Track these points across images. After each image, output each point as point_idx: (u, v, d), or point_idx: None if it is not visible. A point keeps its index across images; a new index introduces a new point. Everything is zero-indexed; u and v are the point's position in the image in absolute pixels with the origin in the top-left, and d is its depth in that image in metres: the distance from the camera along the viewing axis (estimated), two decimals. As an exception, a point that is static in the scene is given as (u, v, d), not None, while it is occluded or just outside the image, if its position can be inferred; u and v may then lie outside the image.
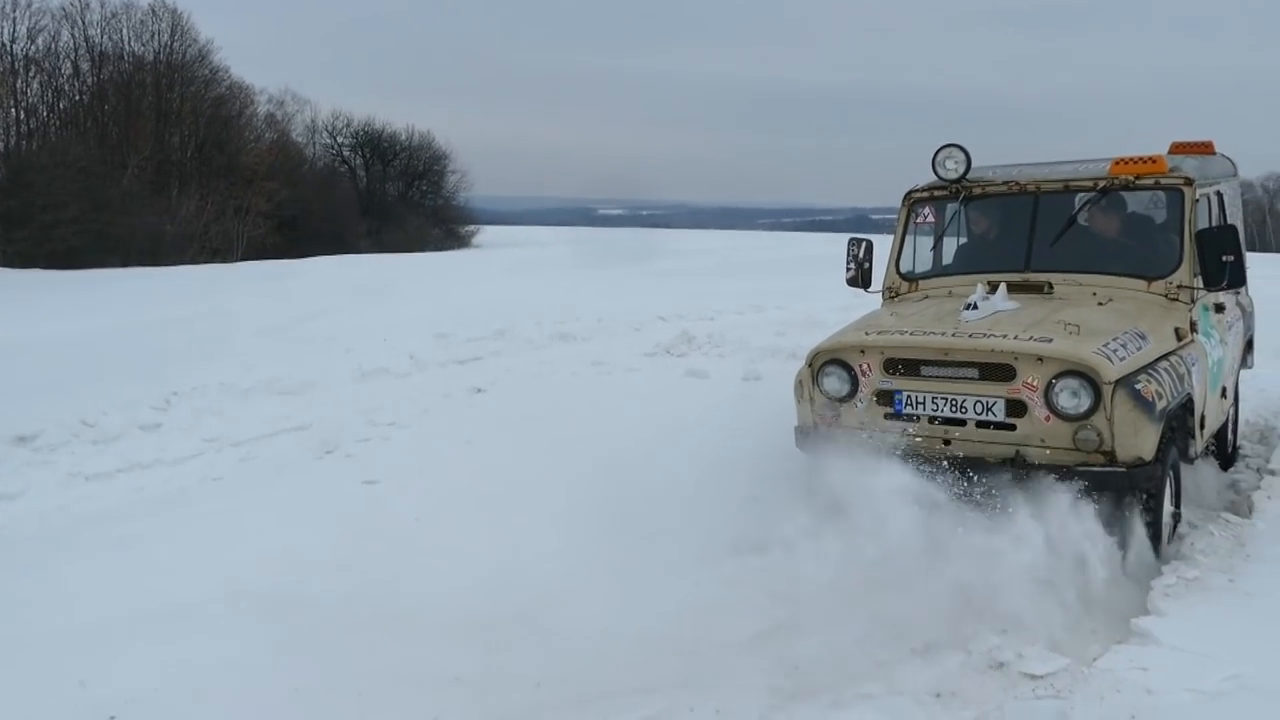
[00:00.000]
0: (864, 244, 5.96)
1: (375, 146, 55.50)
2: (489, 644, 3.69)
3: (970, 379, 4.45)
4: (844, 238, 6.30)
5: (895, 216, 5.99)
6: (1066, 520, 4.19)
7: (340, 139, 55.05)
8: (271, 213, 38.49)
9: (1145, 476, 4.20)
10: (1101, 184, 5.31)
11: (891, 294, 5.81)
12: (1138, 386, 4.18)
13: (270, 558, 4.65)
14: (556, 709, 3.22)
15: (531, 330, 11.73)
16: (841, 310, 6.69)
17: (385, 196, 54.49)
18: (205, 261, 30.28)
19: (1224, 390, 5.65)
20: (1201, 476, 5.69)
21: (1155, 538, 4.33)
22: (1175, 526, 4.68)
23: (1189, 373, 4.68)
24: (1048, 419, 4.29)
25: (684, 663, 3.50)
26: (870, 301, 5.95)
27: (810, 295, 14.53)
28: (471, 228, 55.09)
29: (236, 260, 31.96)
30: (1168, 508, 4.50)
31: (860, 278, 5.94)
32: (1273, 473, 5.60)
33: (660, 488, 5.28)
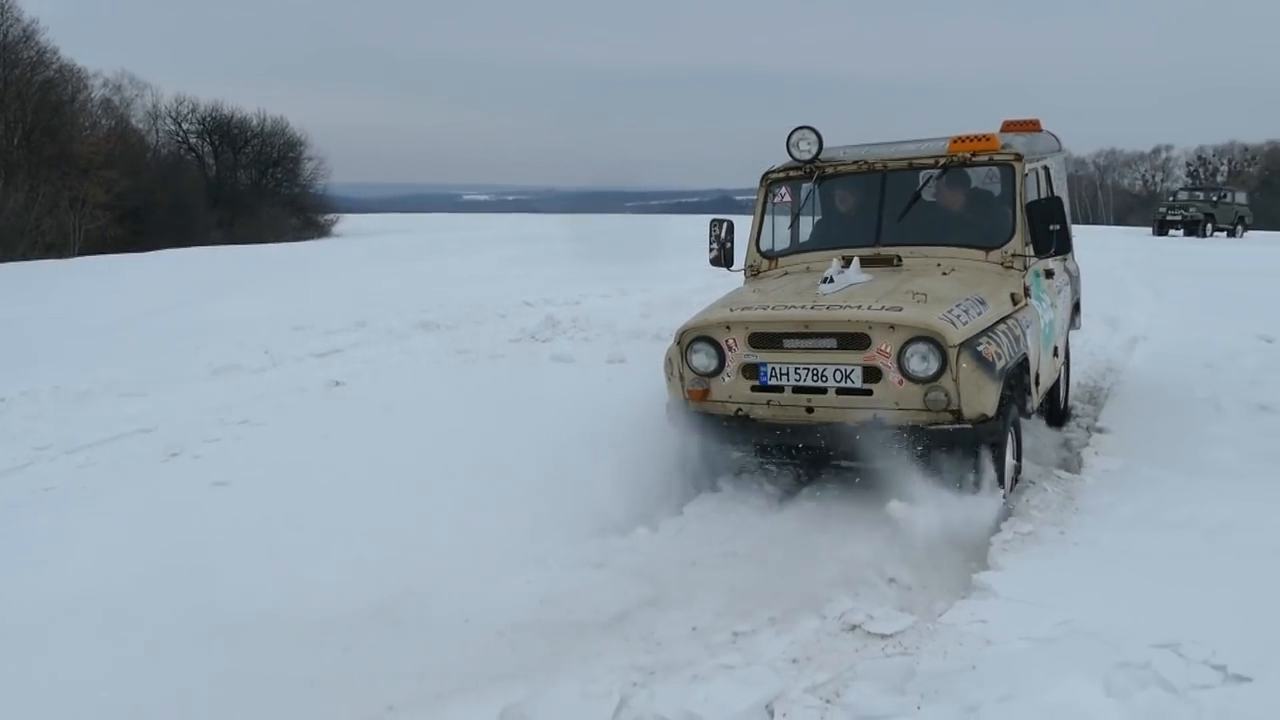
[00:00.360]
0: (725, 224, 6.17)
1: (224, 133, 52.78)
2: (347, 643, 3.59)
3: (829, 349, 4.65)
4: (709, 219, 6.42)
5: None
6: (914, 480, 4.39)
7: (185, 125, 52.09)
8: (112, 204, 36.14)
9: (989, 431, 4.49)
10: (941, 161, 5.61)
11: (753, 272, 6.02)
12: (979, 348, 4.45)
13: (111, 569, 4.37)
14: (417, 703, 3.15)
15: (393, 320, 11.45)
16: (705, 290, 6.80)
17: (237, 185, 51.97)
18: (38, 257, 28.24)
19: (1056, 349, 6.05)
20: (1038, 436, 6.06)
21: (999, 487, 4.61)
22: (1017, 476, 5.00)
23: (1024, 334, 5.00)
24: (901, 383, 4.51)
25: (547, 647, 3.49)
26: (733, 280, 6.08)
27: (675, 277, 14.69)
28: (331, 216, 53.24)
29: (73, 255, 29.96)
30: (1010, 460, 4.80)
31: (723, 257, 6.15)
32: (1101, 430, 5.99)
33: (524, 473, 5.24)
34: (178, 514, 5.15)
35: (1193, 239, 30.32)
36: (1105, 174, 71.21)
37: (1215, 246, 26.35)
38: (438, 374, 8.43)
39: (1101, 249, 19.95)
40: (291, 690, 3.26)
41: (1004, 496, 4.63)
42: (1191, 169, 65.52)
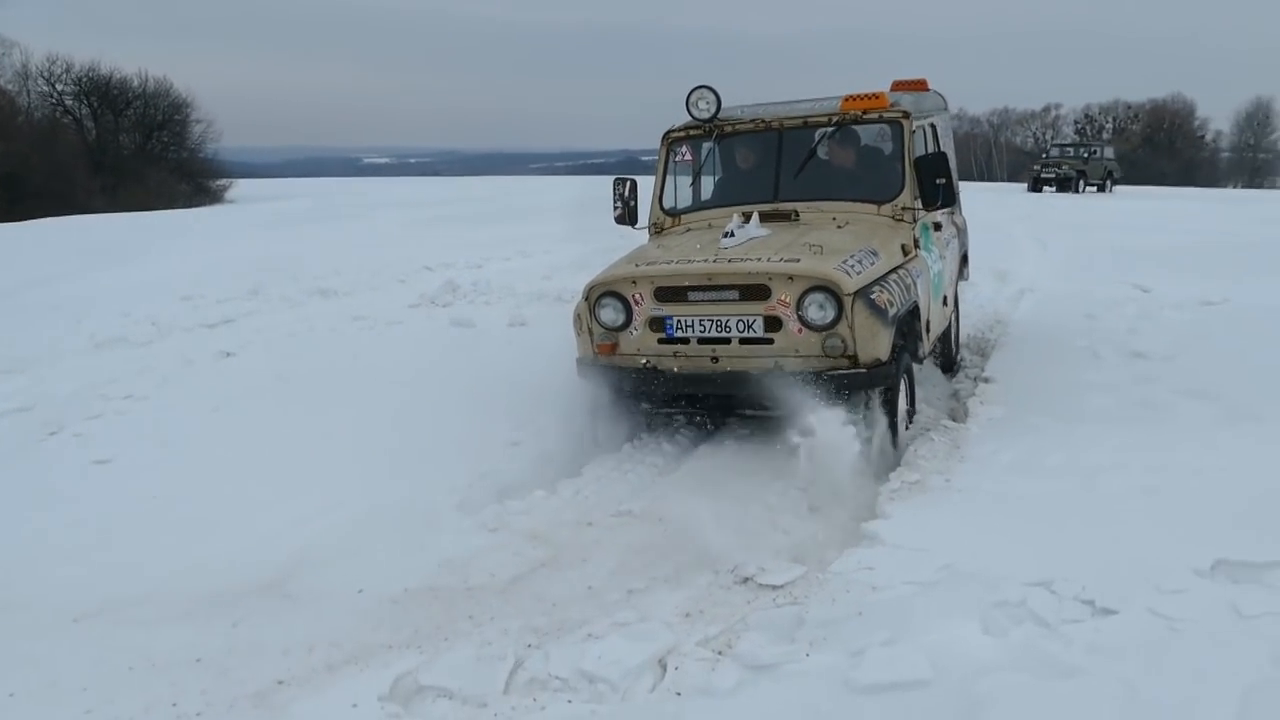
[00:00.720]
0: (629, 183, 6.28)
1: (103, 94, 49.85)
2: (235, 619, 3.50)
3: (732, 300, 4.78)
4: (613, 179, 6.41)
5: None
6: (811, 428, 4.47)
7: (60, 86, 49.10)
8: (-19, 171, 34.12)
9: (883, 375, 4.67)
10: (834, 119, 5.72)
11: (657, 229, 6.12)
12: (872, 296, 4.62)
13: (-20, 554, 4.18)
14: (307, 676, 3.09)
15: (288, 287, 11.10)
16: (608, 251, 6.75)
17: (120, 150, 49.26)
18: (-99, 229, 26.52)
19: (945, 298, 6.30)
20: (933, 386, 6.25)
21: (893, 428, 4.81)
22: (911, 418, 5.20)
23: (915, 283, 5.20)
24: (800, 331, 4.66)
25: (442, 614, 3.46)
26: (637, 239, 6.10)
27: (577, 238, 14.56)
28: (223, 182, 51.08)
29: (-59, 226, 28.19)
30: (903, 404, 5.00)
31: (627, 215, 6.26)
32: (987, 380, 6.20)
33: (422, 440, 5.18)
34: (56, 495, 4.95)
35: (1065, 195, 31.35)
36: (999, 132, 73.27)
37: (1092, 201, 27.38)
38: (334, 342, 8.21)
39: (995, 205, 20.56)
40: (175, 670, 3.17)
41: (899, 435, 4.83)
42: (1079, 126, 67.90)
